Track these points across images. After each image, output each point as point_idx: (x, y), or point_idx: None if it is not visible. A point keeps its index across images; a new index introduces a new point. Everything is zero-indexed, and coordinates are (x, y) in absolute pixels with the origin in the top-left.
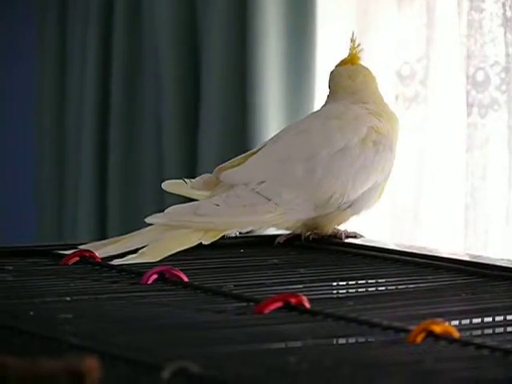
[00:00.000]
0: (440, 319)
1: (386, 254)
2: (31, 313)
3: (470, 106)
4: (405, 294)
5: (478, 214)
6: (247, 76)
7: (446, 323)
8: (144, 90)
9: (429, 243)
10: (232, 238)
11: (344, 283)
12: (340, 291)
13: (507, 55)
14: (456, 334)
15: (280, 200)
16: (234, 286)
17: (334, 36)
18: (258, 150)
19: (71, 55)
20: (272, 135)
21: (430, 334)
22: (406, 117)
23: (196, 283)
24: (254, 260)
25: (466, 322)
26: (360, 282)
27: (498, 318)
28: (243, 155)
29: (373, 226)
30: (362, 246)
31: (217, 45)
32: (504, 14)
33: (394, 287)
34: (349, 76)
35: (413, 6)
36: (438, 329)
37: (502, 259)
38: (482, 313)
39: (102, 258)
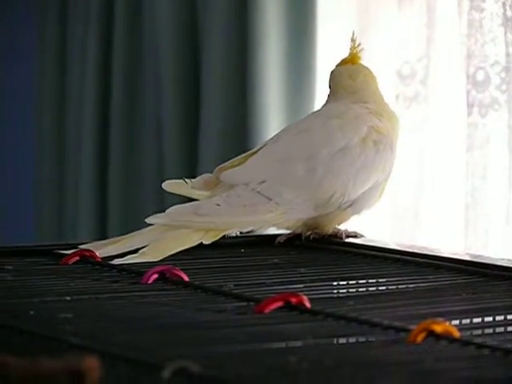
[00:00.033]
0: (440, 319)
1: (387, 254)
2: (31, 312)
3: (470, 105)
4: (405, 294)
5: (478, 214)
6: (247, 76)
7: (447, 323)
8: (144, 90)
9: (429, 243)
10: (232, 237)
11: (344, 283)
12: (340, 291)
13: (507, 55)
14: (456, 334)
15: (281, 200)
16: (235, 285)
17: (335, 36)
18: (258, 150)
19: (71, 55)
20: (272, 135)
21: (431, 333)
22: (407, 116)
23: (196, 283)
24: (255, 260)
25: (466, 321)
26: (360, 281)
27: (498, 318)
28: (243, 155)
29: (373, 225)
30: (362, 245)
31: (217, 45)
32: (504, 13)
33: (394, 287)
34: (349, 76)
35: (413, 5)
36: (438, 328)
37: (503, 259)
38: (482, 312)
39: (103, 258)
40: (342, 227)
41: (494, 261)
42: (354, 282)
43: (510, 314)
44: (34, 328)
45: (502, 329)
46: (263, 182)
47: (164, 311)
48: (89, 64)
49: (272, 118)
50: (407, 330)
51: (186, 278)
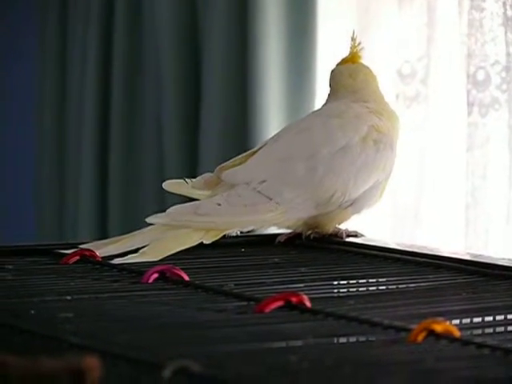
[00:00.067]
0: (441, 318)
1: (387, 253)
2: (32, 312)
3: (470, 105)
4: (405, 293)
5: (478, 213)
6: (248, 75)
7: (447, 322)
8: (145, 90)
9: (429, 242)
10: (233, 237)
11: (345, 282)
12: (341, 290)
13: (508, 54)
14: (457, 333)
15: (281, 199)
16: (235, 285)
17: (335, 35)
18: (258, 149)
19: (72, 55)
20: (273, 134)
21: (431, 333)
22: (407, 116)
23: (197, 282)
24: (255, 259)
25: (466, 321)
26: (361, 281)
27: (498, 317)
28: (244, 154)
29: (373, 225)
30: (362, 245)
31: (217, 44)
32: (504, 13)
33: (394, 286)
34: (349, 75)
35: (413, 4)
36: (438, 328)
37: (503, 258)
38: (482, 312)
39: (103, 257)
40: (343, 226)
41: (495, 260)
42: (355, 281)
43: (510, 313)
44: (35, 327)
45: (502, 328)
46: (264, 181)
47: (164, 311)
48: (89, 64)
49: (272, 118)
50: (407, 330)
51: (187, 278)
